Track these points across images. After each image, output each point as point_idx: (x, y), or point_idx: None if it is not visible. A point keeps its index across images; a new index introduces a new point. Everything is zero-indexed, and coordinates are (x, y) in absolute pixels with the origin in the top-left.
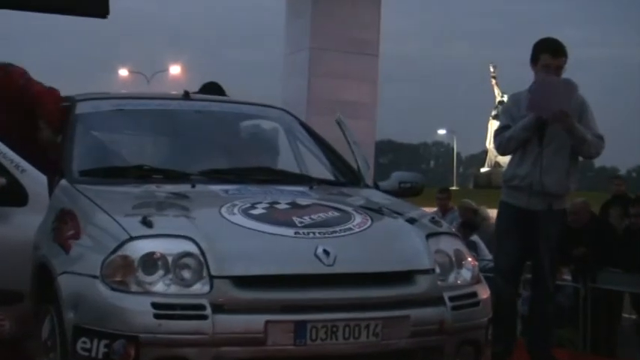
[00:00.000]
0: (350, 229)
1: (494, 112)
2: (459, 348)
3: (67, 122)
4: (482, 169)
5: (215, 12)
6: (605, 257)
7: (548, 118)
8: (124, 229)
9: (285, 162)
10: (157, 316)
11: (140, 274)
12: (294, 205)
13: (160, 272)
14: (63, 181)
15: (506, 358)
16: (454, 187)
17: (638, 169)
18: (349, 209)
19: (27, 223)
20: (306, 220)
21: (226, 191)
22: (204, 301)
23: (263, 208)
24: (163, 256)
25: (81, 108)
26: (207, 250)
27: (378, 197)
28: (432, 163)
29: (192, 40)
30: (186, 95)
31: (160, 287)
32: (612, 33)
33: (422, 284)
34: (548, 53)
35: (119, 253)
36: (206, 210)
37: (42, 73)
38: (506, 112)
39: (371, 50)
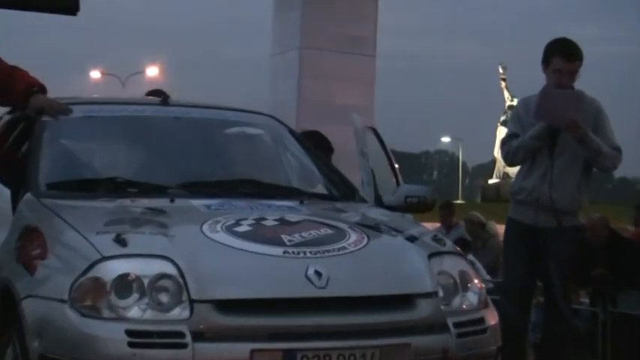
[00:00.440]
0: (344, 248)
1: (503, 118)
2: None
3: (33, 130)
4: (491, 181)
5: (197, 5)
6: (626, 278)
7: (559, 127)
8: (95, 248)
9: (273, 174)
10: (131, 345)
11: (113, 298)
12: (282, 222)
13: (135, 296)
14: (28, 195)
15: None
16: (459, 201)
17: None
18: (343, 226)
19: None
20: (296, 238)
21: (208, 206)
22: (184, 328)
23: (249, 225)
24: (139, 278)
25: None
26: (187, 272)
27: (376, 213)
28: (434, 173)
29: (171, 38)
30: (164, 100)
31: (134, 312)
32: (632, 29)
33: (423, 309)
34: (562, 57)
35: (90, 274)
36: (186, 227)
37: None
38: (514, 119)
39: (367, 49)
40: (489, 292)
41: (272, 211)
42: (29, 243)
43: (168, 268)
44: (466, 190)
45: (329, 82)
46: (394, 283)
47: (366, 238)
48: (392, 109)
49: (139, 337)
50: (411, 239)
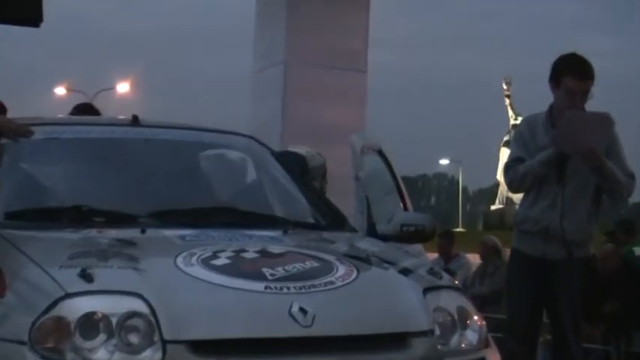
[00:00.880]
0: (332, 282)
1: (506, 138)
2: None
3: None
4: (493, 207)
5: (172, 18)
6: None
7: (573, 155)
8: (58, 284)
9: (254, 201)
10: None
11: (78, 339)
12: (264, 254)
13: (102, 336)
14: None
15: None
16: (460, 229)
17: None
18: (331, 258)
19: None
20: (279, 271)
21: (183, 237)
22: None
23: (227, 258)
24: (106, 317)
25: None
26: (160, 309)
27: (367, 243)
28: (432, 199)
29: (144, 52)
30: (135, 120)
31: (102, 355)
32: None
33: (418, 349)
34: (573, 76)
35: (52, 313)
36: (158, 260)
37: None
38: (518, 141)
39: (357, 64)
40: (491, 329)
41: (253, 242)
42: None
43: (139, 306)
44: (467, 217)
45: (316, 99)
46: (386, 321)
47: (355, 272)
48: (385, 129)
49: None
50: (405, 272)
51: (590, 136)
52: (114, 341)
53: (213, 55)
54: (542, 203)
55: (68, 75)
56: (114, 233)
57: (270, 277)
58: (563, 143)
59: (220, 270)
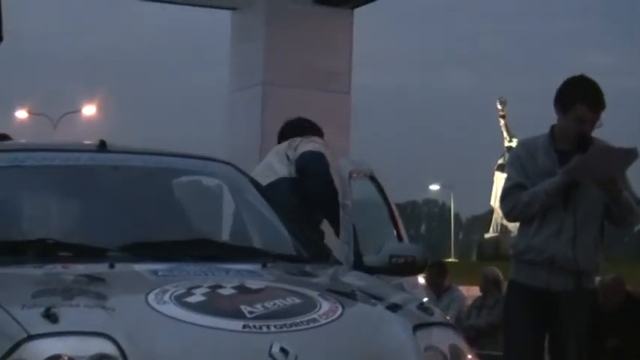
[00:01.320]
0: (315, 320)
1: (500, 161)
2: None
3: None
4: (487, 235)
5: (142, 35)
6: None
7: (590, 183)
8: (20, 324)
9: (231, 232)
10: None
11: None
12: (242, 290)
13: None
14: None
15: None
16: (452, 259)
17: None
18: (314, 294)
19: None
20: (258, 309)
21: (155, 272)
22: None
23: (202, 295)
24: None
25: None
26: (130, 352)
27: (352, 277)
28: (422, 227)
29: (112, 72)
30: (103, 146)
31: None
32: None
33: None
34: (587, 106)
35: (14, 356)
36: (128, 298)
37: None
38: (516, 166)
39: (341, 85)
40: None
41: (230, 277)
42: None
43: (108, 348)
44: (459, 246)
45: None
46: None
47: (340, 308)
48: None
49: None
50: (393, 308)
51: (612, 167)
52: None
53: (186, 75)
54: (546, 231)
55: (30, 97)
56: (80, 268)
57: (248, 315)
58: (582, 174)
59: (195, 308)
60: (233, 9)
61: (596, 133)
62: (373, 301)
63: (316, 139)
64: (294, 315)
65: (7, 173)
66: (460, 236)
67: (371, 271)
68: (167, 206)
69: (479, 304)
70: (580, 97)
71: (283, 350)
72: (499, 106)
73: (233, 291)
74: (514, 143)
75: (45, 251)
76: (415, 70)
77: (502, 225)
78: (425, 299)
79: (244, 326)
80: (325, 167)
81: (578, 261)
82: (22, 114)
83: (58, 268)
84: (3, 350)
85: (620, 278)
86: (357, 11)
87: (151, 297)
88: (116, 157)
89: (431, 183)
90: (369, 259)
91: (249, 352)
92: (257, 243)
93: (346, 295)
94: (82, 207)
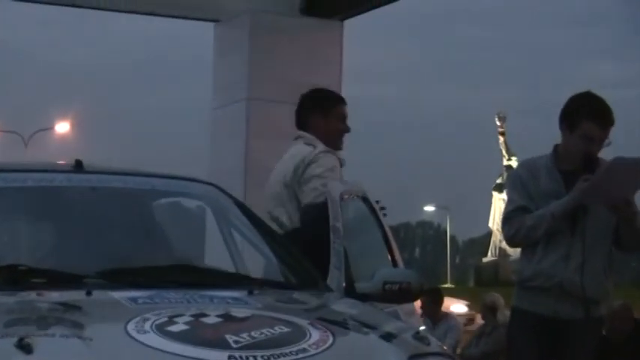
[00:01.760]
0: (304, 350)
1: (498, 181)
2: None
3: None
4: (485, 259)
5: (118, 49)
6: None
7: (600, 205)
8: None
9: (215, 256)
10: None
11: None
12: (227, 318)
13: None
14: None
15: None
16: (448, 285)
17: None
18: (303, 322)
19: None
20: (244, 338)
21: (134, 299)
22: None
23: (185, 323)
24: None
25: None
26: None
27: (344, 305)
28: (416, 250)
29: (86, 87)
30: (79, 166)
31: None
32: None
33: None
34: (595, 124)
35: None
36: (107, 327)
37: None
38: (518, 188)
39: None
40: None
41: (214, 305)
42: None
43: None
44: (456, 271)
45: (283, 140)
46: None
47: (331, 338)
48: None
49: None
50: (387, 337)
51: (625, 185)
52: None
53: (166, 91)
54: (553, 256)
55: (0, 114)
56: (55, 296)
57: (234, 345)
58: (595, 196)
59: (178, 337)
60: (216, 21)
61: (604, 152)
62: (366, 330)
63: (325, 160)
64: (282, 345)
65: None
66: (457, 260)
67: (363, 298)
68: (147, 230)
69: (479, 333)
70: (587, 113)
71: None
72: (498, 122)
73: (218, 319)
74: (513, 162)
75: (17, 278)
76: (408, 84)
77: (501, 248)
78: (422, 328)
79: (230, 357)
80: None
81: (587, 288)
82: None
83: (31, 295)
84: None
85: (627, 305)
86: (347, 23)
87: (131, 326)
88: (93, 178)
89: (425, 204)
90: (361, 285)
91: None
92: (242, 269)
93: (337, 324)
94: (56, 231)
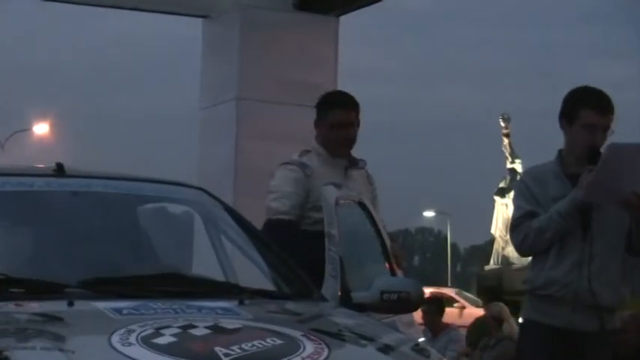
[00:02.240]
0: None
1: (501, 185)
2: None
3: None
4: (487, 267)
5: (102, 46)
6: None
7: (608, 205)
8: None
9: (204, 264)
10: None
11: None
12: (216, 330)
13: None
14: None
15: None
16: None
17: None
18: (296, 334)
19: None
20: (235, 351)
21: (119, 310)
22: None
23: (172, 335)
24: None
25: None
26: None
27: (339, 315)
28: (416, 258)
29: (67, 87)
30: (60, 169)
31: None
32: None
33: None
34: (594, 109)
35: None
36: (90, 339)
37: None
38: (525, 194)
39: None
40: None
41: (203, 316)
42: None
43: None
44: (458, 280)
45: (275, 142)
46: None
47: (325, 350)
48: None
49: None
50: (385, 350)
51: (632, 176)
52: None
53: (152, 91)
54: (567, 262)
55: None
56: (35, 307)
57: (224, 358)
58: (597, 191)
59: (165, 350)
60: (204, 17)
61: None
62: (363, 341)
63: (279, 173)
64: (274, 357)
65: None
66: (458, 268)
67: (360, 308)
68: (132, 237)
69: (482, 345)
70: (586, 102)
71: None
72: (502, 124)
73: (207, 331)
74: (517, 165)
75: None
76: (408, 84)
77: (504, 256)
78: (421, 339)
79: None
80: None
81: (602, 296)
82: None
83: (9, 306)
84: None
85: (637, 315)
86: (343, 19)
87: (115, 338)
88: (75, 182)
89: (425, 209)
90: (358, 295)
91: None
92: (233, 278)
93: (332, 336)
94: (36, 238)
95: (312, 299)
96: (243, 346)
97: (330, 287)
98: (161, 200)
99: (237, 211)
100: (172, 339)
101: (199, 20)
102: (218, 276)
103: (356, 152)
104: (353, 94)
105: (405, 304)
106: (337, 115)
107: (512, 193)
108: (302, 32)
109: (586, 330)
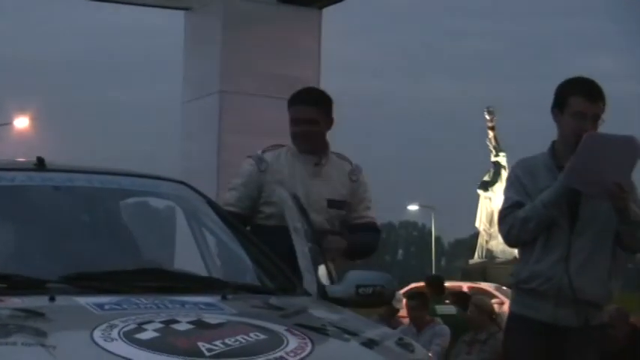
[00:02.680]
0: (281, 357)
1: (486, 178)
2: None
3: None
4: (472, 261)
5: (83, 39)
6: None
7: (591, 194)
8: None
9: (186, 259)
10: None
11: None
12: (199, 325)
13: None
14: None
15: None
16: None
17: None
18: (280, 329)
19: None
20: (218, 346)
21: (101, 305)
22: None
23: (155, 331)
24: None
25: None
26: None
27: (323, 310)
28: (400, 252)
29: (48, 79)
30: (41, 164)
31: None
32: None
33: None
34: (583, 97)
35: None
36: (71, 334)
37: None
38: (515, 186)
39: None
40: None
41: (185, 311)
42: None
43: None
44: (442, 273)
45: (258, 136)
46: None
47: (309, 345)
48: None
49: None
50: (369, 344)
51: (613, 167)
52: None
53: (133, 84)
54: (551, 257)
55: None
56: (17, 302)
57: (207, 354)
58: (579, 178)
59: (147, 345)
60: (186, 9)
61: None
62: (347, 336)
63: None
64: (258, 353)
65: None
66: (442, 262)
67: (337, 302)
68: (114, 231)
69: (469, 339)
70: (574, 89)
71: None
72: (487, 117)
73: (189, 326)
74: (501, 158)
75: None
76: (392, 77)
77: (488, 250)
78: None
79: None
80: None
81: (584, 292)
82: None
83: None
84: None
85: (622, 310)
86: (326, 11)
87: (97, 333)
88: (56, 177)
89: (409, 202)
90: (333, 289)
91: None
92: (216, 272)
93: (316, 330)
94: (17, 233)
95: (295, 294)
96: (226, 341)
97: (309, 282)
98: (143, 194)
99: (219, 205)
100: (155, 334)
101: (181, 13)
102: (201, 271)
103: (339, 145)
104: (335, 86)
105: (379, 298)
106: (297, 112)
107: (495, 187)
108: (285, 25)
109: (569, 325)
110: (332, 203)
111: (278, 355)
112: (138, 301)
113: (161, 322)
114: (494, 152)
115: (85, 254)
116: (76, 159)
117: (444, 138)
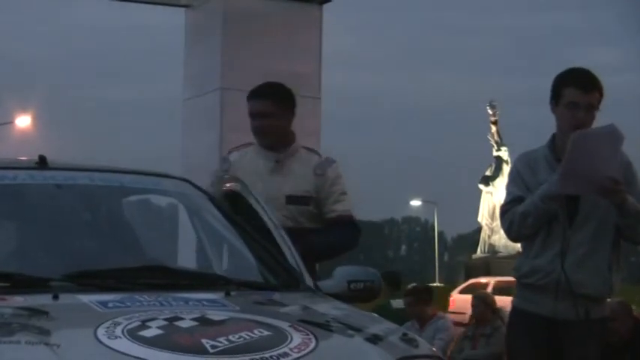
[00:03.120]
0: (286, 354)
1: (487, 172)
2: None
3: None
4: (475, 256)
5: (83, 38)
6: None
7: (592, 194)
8: None
9: (189, 256)
10: None
11: None
12: (203, 322)
13: None
14: None
15: None
16: (437, 284)
17: None
18: (284, 325)
19: None
20: (222, 342)
21: (104, 303)
22: None
23: (159, 328)
24: None
25: None
26: None
27: (326, 306)
28: (403, 248)
29: (49, 79)
30: (43, 162)
31: None
32: None
33: None
34: (576, 87)
35: None
36: (75, 332)
37: None
38: (516, 180)
39: (309, 89)
40: None
41: (189, 308)
42: None
43: None
44: (445, 269)
45: None
46: None
47: (313, 341)
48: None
49: None
50: (373, 340)
51: (603, 161)
52: None
53: (135, 82)
54: (552, 250)
55: None
56: (20, 300)
57: (211, 350)
58: (574, 182)
59: (151, 343)
60: (187, 6)
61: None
62: (350, 332)
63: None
64: (262, 349)
65: None
66: (445, 258)
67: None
68: (117, 229)
69: (471, 334)
70: (568, 81)
71: None
72: (489, 111)
73: (193, 323)
74: (503, 153)
75: None
76: (394, 71)
77: (490, 245)
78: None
79: None
80: None
81: (582, 286)
82: None
83: None
84: None
85: (624, 303)
86: (327, 6)
87: (101, 331)
88: (59, 175)
89: (411, 198)
90: (326, 284)
91: None
92: (219, 269)
93: (320, 326)
94: (20, 231)
95: (299, 290)
96: (230, 337)
97: (306, 278)
98: (145, 192)
99: (221, 202)
100: (159, 331)
101: (182, 10)
102: (204, 267)
103: (342, 140)
104: (336, 81)
105: (369, 292)
106: (252, 106)
107: (497, 181)
108: (285, 21)
109: (568, 318)
110: (291, 199)
111: (282, 351)
112: (141, 299)
113: (165, 320)
114: (496, 147)
115: (88, 252)
116: (79, 157)
117: (447, 133)
